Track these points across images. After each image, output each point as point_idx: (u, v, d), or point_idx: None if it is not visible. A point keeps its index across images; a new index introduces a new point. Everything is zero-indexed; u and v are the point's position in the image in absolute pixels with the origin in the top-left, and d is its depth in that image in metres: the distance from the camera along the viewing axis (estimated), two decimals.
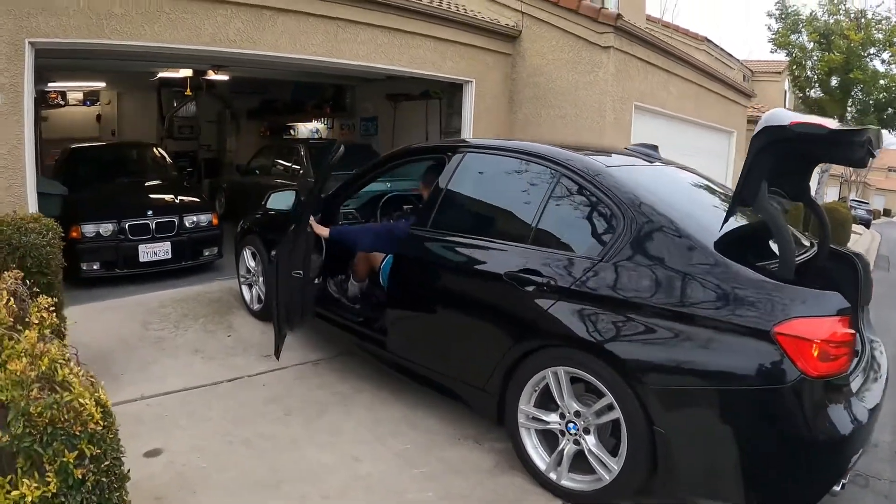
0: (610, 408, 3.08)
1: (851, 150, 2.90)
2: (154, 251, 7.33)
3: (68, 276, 6.80)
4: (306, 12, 7.44)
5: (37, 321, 2.45)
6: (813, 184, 23.50)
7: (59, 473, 1.82)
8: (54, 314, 2.58)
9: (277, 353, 4.44)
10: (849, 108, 19.09)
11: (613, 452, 3.12)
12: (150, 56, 8.10)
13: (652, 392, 2.91)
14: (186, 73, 11.62)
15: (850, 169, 42.31)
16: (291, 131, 15.02)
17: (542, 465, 3.36)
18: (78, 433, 1.85)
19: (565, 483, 3.28)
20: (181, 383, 4.42)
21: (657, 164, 4.12)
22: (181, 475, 3.32)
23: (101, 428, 1.92)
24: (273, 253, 4.86)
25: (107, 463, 1.95)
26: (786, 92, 24.26)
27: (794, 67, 19.42)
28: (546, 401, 3.36)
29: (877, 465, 3.95)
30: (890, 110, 18.88)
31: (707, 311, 2.83)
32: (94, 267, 7.07)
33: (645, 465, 2.98)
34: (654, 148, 4.32)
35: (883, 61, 18.86)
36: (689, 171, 4.33)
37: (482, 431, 3.87)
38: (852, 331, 2.72)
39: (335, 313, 4.66)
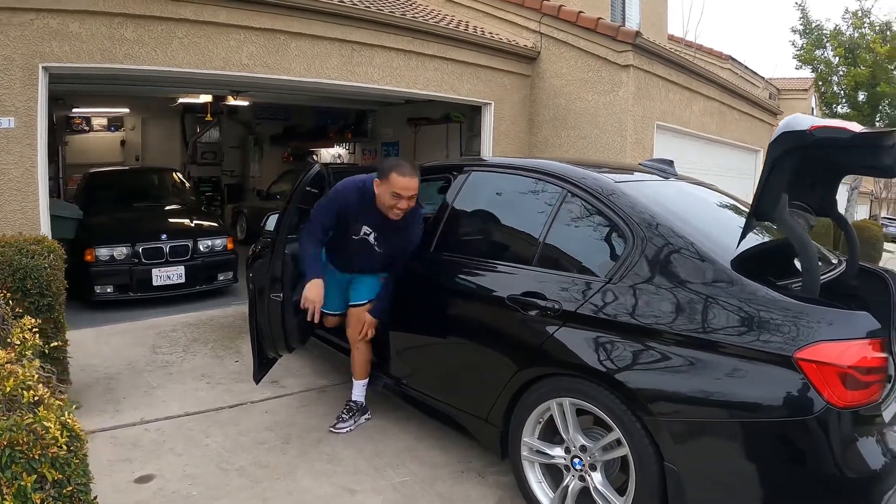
0: (618, 443, 2.84)
1: (878, 156, 2.67)
2: (168, 275, 7.32)
3: (82, 298, 6.91)
4: (320, 36, 7.45)
5: (18, 342, 2.40)
6: (842, 200, 23.16)
7: (17, 497, 1.72)
8: (37, 335, 2.52)
9: (256, 379, 4.22)
10: (877, 123, 18.66)
11: (622, 490, 2.88)
12: (167, 81, 8.21)
13: (662, 425, 2.66)
14: (207, 98, 11.74)
15: (882, 185, 41.68)
16: (314, 156, 15.07)
17: (545, 502, 3.16)
18: (37, 457, 1.76)
19: None
20: (183, 408, 4.32)
21: (672, 179, 3.91)
22: (170, 503, 3.22)
23: (64, 452, 1.83)
24: (250, 275, 4.77)
25: (70, 489, 1.85)
26: (813, 109, 23.84)
27: (821, 83, 19.06)
28: (551, 433, 3.16)
29: None
30: None
31: (722, 336, 2.58)
32: (108, 290, 7.11)
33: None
34: (670, 163, 4.11)
35: None
36: (706, 186, 4.14)
37: (487, 464, 3.68)
38: (884, 355, 2.44)
39: (338, 336, 4.47)
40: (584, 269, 3.17)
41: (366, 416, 4.20)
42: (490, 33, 9.57)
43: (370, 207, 3.76)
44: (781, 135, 2.59)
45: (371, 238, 3.85)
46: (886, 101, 18.16)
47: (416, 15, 8.54)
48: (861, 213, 32.99)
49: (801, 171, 2.84)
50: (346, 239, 3.90)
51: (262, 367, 4.20)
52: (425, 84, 8.63)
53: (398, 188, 3.58)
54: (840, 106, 19.51)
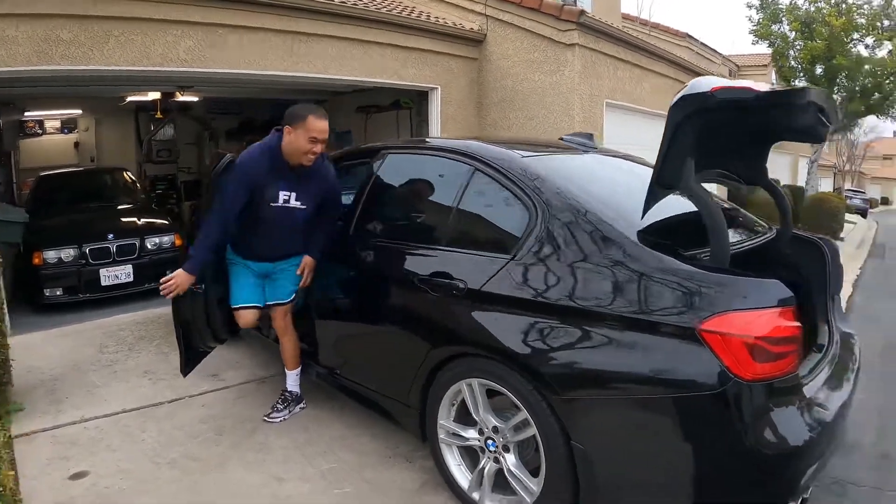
0: (526, 423, 2.79)
1: (794, 116, 2.56)
2: (116, 275, 7.26)
3: (32, 301, 6.86)
4: (259, 27, 7.36)
5: None
6: (797, 171, 23.45)
7: None
8: None
9: (183, 372, 4.15)
10: (835, 96, 18.90)
11: (536, 472, 2.83)
12: (109, 80, 8.08)
13: (567, 404, 2.60)
14: (155, 95, 11.60)
15: (844, 158, 42.18)
16: (220, 149, 14.82)
17: (465, 485, 3.13)
18: None
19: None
20: (122, 405, 4.31)
21: (592, 153, 3.87)
22: (101, 498, 3.22)
23: None
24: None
25: None
26: (773, 84, 24.10)
27: (778, 58, 19.26)
28: (466, 415, 3.13)
29: (856, 471, 3.68)
30: (877, 95, 18.71)
31: (624, 310, 2.48)
32: (57, 292, 7.04)
33: (566, 486, 2.67)
34: (589, 136, 4.08)
35: (866, 46, 18.79)
36: (631, 159, 4.09)
37: (414, 449, 3.69)
38: (797, 324, 2.36)
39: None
40: (490, 246, 3.10)
41: (301, 405, 4.19)
42: (436, 18, 9.56)
43: (282, 167, 3.64)
44: (681, 98, 2.50)
45: (292, 199, 3.72)
46: (843, 74, 18.40)
47: (358, 2, 8.48)
48: (825, 186, 33.45)
49: (716, 138, 2.74)
50: (261, 216, 3.71)
51: (189, 360, 4.15)
52: (369, 71, 8.59)
53: (316, 131, 3.52)
54: (798, 80, 19.73)
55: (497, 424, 2.95)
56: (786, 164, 25.10)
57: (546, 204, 2.91)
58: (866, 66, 18.18)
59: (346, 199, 4.10)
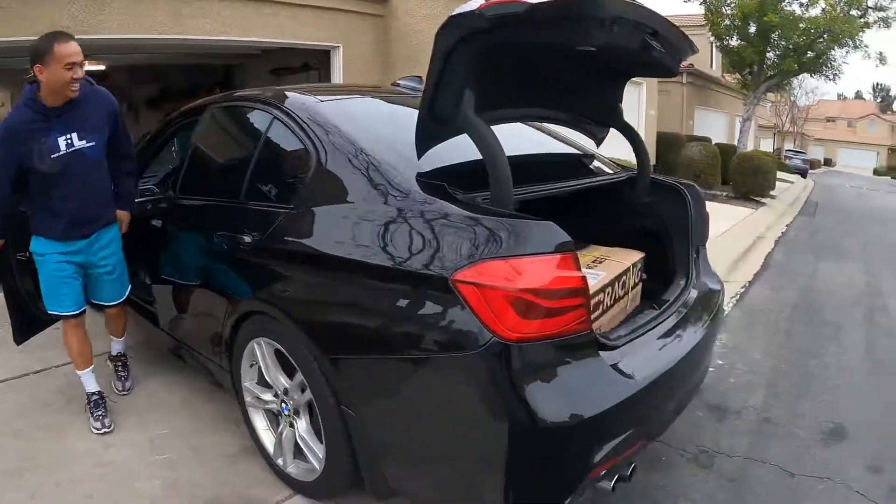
0: (304, 386, 2.55)
1: (588, 31, 2.14)
2: None
3: None
4: None
5: None
6: (735, 132, 23.42)
7: None
8: None
9: (17, 341, 3.77)
10: (768, 53, 18.79)
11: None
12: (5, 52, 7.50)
13: (334, 365, 2.34)
14: None
15: (785, 118, 42.62)
16: None
17: (271, 450, 2.89)
18: None
19: (291, 470, 2.76)
20: None
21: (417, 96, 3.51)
22: None
23: None
24: None
25: None
26: (712, 44, 23.94)
27: (711, 16, 19.04)
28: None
29: (731, 438, 3.36)
30: (810, 54, 18.58)
31: (385, 260, 2.17)
32: None
33: (347, 453, 2.41)
34: (420, 80, 3.70)
35: (801, 4, 18.63)
36: None
37: None
38: (579, 274, 1.99)
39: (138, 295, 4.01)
40: (277, 197, 2.83)
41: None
42: None
43: (49, 112, 3.09)
44: (449, 20, 2.10)
45: (75, 140, 3.15)
46: (776, 32, 18.25)
47: None
48: (765, 146, 33.73)
49: (520, 68, 2.46)
50: (50, 175, 3.12)
51: (23, 329, 3.74)
52: (263, 31, 8.13)
53: (68, 56, 2.97)
54: (731, 38, 19.62)
55: (286, 386, 2.70)
56: (722, 123, 25.13)
57: (325, 148, 2.59)
58: (801, 25, 18.03)
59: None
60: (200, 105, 3.71)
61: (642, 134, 14.38)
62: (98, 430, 3.29)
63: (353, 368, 2.30)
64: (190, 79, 13.89)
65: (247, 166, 3.04)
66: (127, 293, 3.56)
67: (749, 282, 6.96)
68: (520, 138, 3.25)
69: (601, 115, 3.23)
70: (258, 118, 3.14)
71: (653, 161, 15.14)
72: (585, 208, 3.49)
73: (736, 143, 19.88)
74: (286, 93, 3.06)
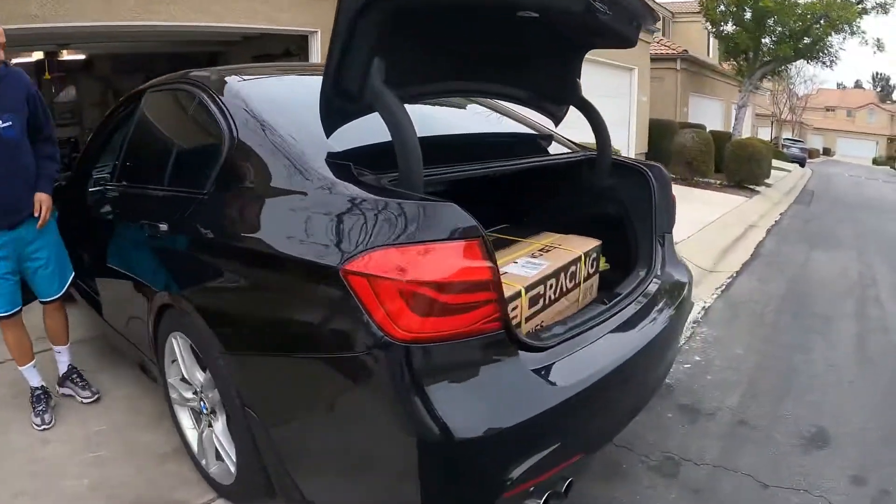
0: (212, 384, 2.36)
1: None
2: None
3: None
4: None
5: None
6: (731, 120, 23.09)
7: None
8: None
9: None
10: (763, 40, 18.44)
11: None
12: None
13: (236, 362, 2.14)
14: (38, 55, 10.90)
15: (782, 106, 42.25)
16: None
17: (196, 450, 2.69)
18: None
19: (213, 472, 2.55)
20: None
21: None
22: None
23: None
24: None
25: None
26: (708, 31, 23.62)
27: (706, 1, 18.66)
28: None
29: (701, 443, 3.04)
30: (806, 39, 18.23)
31: (280, 248, 1.94)
32: None
33: (257, 458, 2.18)
34: None
35: None
36: None
37: None
38: (487, 264, 1.70)
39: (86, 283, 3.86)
40: (193, 183, 2.54)
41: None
42: None
43: None
44: None
45: None
46: (772, 18, 17.90)
47: None
48: (763, 134, 33.37)
49: (396, 29, 2.10)
50: None
51: None
52: (237, 16, 7.73)
53: None
54: (727, 24, 19.28)
55: (202, 383, 2.49)
56: (718, 111, 24.80)
57: (237, 130, 2.33)
58: (797, 11, 17.68)
59: None
60: (140, 90, 3.48)
61: (633, 120, 14.11)
62: (38, 426, 3.15)
63: (254, 367, 2.09)
64: (175, 67, 13.55)
65: (171, 151, 2.85)
66: (65, 288, 3.33)
67: (736, 272, 6.65)
68: (464, 117, 3.11)
69: (558, 92, 2.94)
70: (185, 100, 2.89)
71: (645, 148, 15.00)
72: (542, 193, 3.20)
73: (731, 130, 19.54)
74: (211, 73, 2.80)
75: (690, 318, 4.90)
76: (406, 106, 1.93)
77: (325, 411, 1.90)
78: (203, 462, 2.61)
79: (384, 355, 1.64)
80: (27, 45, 9.44)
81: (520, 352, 1.83)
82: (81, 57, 11.79)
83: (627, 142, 14.25)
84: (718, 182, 13.95)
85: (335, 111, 2.03)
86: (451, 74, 2.47)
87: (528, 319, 2.22)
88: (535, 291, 2.23)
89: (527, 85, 2.85)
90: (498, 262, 2.30)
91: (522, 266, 2.35)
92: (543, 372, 1.86)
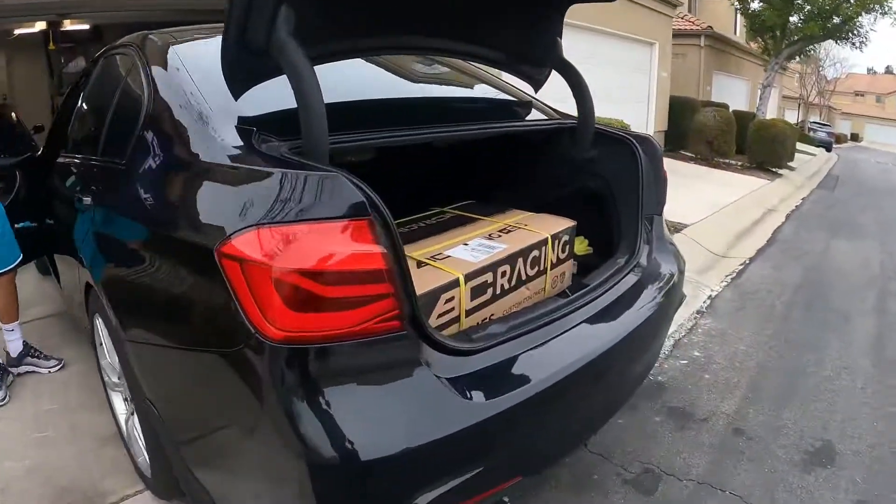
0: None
1: None
2: None
3: None
4: None
5: None
6: (741, 95, 22.46)
7: None
8: None
9: None
10: (791, 18, 17.76)
11: None
12: None
13: (134, 349, 1.95)
14: (41, 26, 10.55)
15: (809, 88, 41.24)
16: None
17: (126, 437, 2.53)
18: None
19: (140, 462, 2.34)
20: None
21: None
22: None
23: None
24: None
25: None
26: (735, 8, 22.91)
27: None
28: None
29: (688, 455, 2.69)
30: (836, 19, 17.50)
31: (169, 226, 1.73)
32: None
33: (162, 454, 2.00)
34: None
35: None
36: None
37: None
38: (380, 249, 1.38)
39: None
40: (117, 152, 2.28)
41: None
42: None
43: None
44: None
45: None
46: None
47: None
48: (790, 117, 32.51)
49: None
50: None
51: None
52: None
53: None
54: (754, 1, 18.62)
55: (118, 370, 2.34)
56: (743, 90, 24.13)
57: (157, 95, 2.09)
58: None
59: None
60: (97, 56, 3.27)
61: (653, 97, 13.57)
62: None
63: (150, 358, 1.89)
64: None
65: (106, 119, 2.62)
66: (11, 266, 3.21)
67: (750, 258, 6.23)
68: (426, 79, 2.83)
69: (536, 53, 2.58)
70: (123, 64, 2.65)
71: (665, 126, 14.47)
72: (515, 165, 2.83)
73: (756, 110, 18.90)
74: (150, 35, 2.49)
75: (693, 308, 4.54)
76: (363, 62, 1.63)
77: (217, 415, 1.65)
78: (133, 450, 2.42)
79: (256, 356, 1.36)
80: (26, 15, 9.18)
81: (441, 356, 1.49)
82: (87, 27, 11.55)
83: (646, 118, 13.72)
84: (740, 163, 13.43)
85: (243, 69, 1.73)
86: (397, 28, 2.12)
87: (469, 313, 1.85)
88: (480, 279, 1.86)
89: (499, 44, 2.48)
90: (444, 244, 1.95)
91: (472, 249, 1.98)
92: (465, 381, 1.51)
